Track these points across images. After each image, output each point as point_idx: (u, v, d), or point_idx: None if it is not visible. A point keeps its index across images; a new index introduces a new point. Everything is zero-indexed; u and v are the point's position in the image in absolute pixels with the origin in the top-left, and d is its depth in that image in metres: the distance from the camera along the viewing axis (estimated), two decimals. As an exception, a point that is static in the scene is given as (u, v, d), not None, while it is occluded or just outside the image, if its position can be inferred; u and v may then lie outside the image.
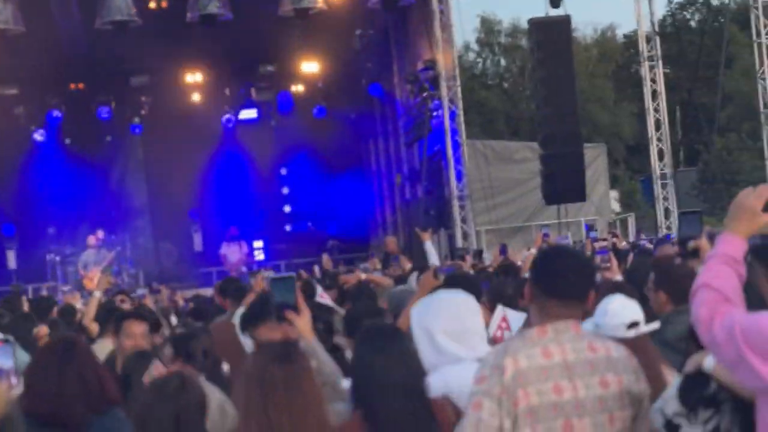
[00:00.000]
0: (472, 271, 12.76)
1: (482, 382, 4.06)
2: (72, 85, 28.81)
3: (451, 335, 4.86)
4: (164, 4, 23.99)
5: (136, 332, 7.53)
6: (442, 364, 4.92)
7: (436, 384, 4.77)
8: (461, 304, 5.27)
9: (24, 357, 7.02)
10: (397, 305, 8.73)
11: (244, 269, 26.66)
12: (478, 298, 7.61)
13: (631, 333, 5.03)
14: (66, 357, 5.17)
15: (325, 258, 18.43)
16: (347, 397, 4.91)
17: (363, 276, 12.56)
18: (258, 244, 31.06)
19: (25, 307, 10.01)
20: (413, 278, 9.78)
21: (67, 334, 6.36)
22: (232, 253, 27.18)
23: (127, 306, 11.22)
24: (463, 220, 24.83)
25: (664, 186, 27.70)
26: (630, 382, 4.14)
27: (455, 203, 24.80)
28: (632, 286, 6.37)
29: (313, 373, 4.54)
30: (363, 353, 4.68)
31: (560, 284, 4.20)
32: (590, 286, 4.35)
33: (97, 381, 5.17)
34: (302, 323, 5.13)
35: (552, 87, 23.71)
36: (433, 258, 14.49)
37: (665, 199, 27.63)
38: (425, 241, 14.88)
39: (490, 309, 7.39)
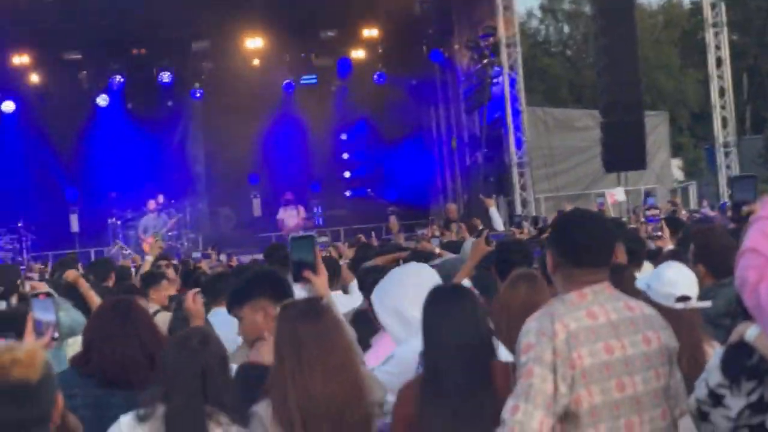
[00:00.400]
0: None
1: (530, 350, 4.02)
2: (134, 51, 28.95)
3: (418, 306, 4.82)
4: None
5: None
6: (411, 336, 4.96)
7: (407, 354, 4.85)
8: (423, 275, 5.42)
9: (79, 318, 7.10)
10: (447, 273, 8.71)
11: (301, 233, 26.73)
12: (529, 265, 7.58)
13: (680, 305, 4.99)
14: (124, 318, 5.21)
15: (393, 220, 18.47)
16: (363, 359, 4.95)
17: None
18: (316, 209, 31.14)
19: (79, 270, 10.11)
20: (468, 245, 9.72)
21: (123, 296, 6.40)
22: (289, 217, 27.25)
23: (170, 271, 11.29)
24: (523, 188, 24.71)
25: (727, 154, 27.32)
26: (666, 338, 4.18)
27: (515, 170, 24.69)
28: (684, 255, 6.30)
29: (344, 327, 4.59)
30: (429, 314, 4.66)
31: (584, 255, 4.18)
32: (613, 247, 4.37)
33: (155, 340, 5.20)
34: (320, 282, 5.12)
35: (614, 55, 23.50)
36: (498, 224, 14.47)
37: (728, 167, 27.26)
38: (489, 207, 14.86)
39: (541, 276, 7.34)
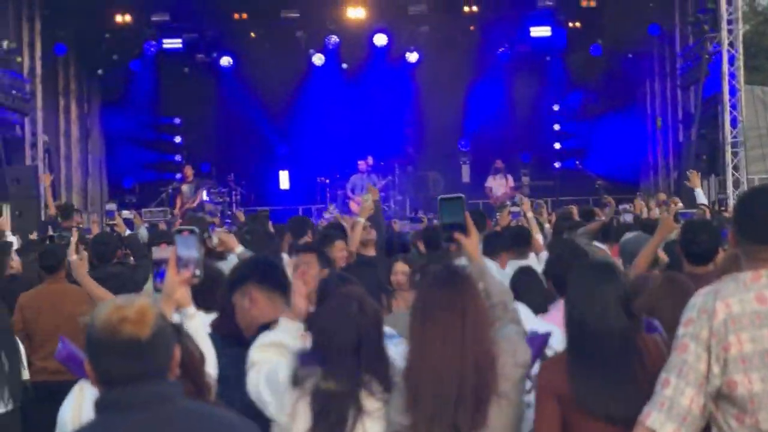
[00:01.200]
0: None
1: (689, 325, 3.97)
2: (350, 11, 29.41)
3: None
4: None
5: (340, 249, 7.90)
6: None
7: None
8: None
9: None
10: (630, 251, 8.69)
11: (508, 203, 26.78)
12: (716, 245, 7.52)
13: None
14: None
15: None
16: (518, 318, 4.96)
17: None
18: (525, 179, 31.06)
19: (270, 227, 10.42)
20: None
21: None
22: (498, 186, 27.26)
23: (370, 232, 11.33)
24: (735, 168, 24.13)
25: None
26: None
27: (728, 150, 24.12)
28: None
29: (480, 297, 4.58)
30: (576, 288, 4.68)
31: (763, 231, 4.02)
32: None
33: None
34: (470, 245, 5.06)
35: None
36: (700, 199, 14.26)
37: None
38: (695, 188, 14.63)
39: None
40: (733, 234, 4.15)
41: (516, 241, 9.83)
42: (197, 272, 4.53)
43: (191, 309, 4.59)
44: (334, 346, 4.46)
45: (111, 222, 14.37)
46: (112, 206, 15.87)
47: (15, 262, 10.01)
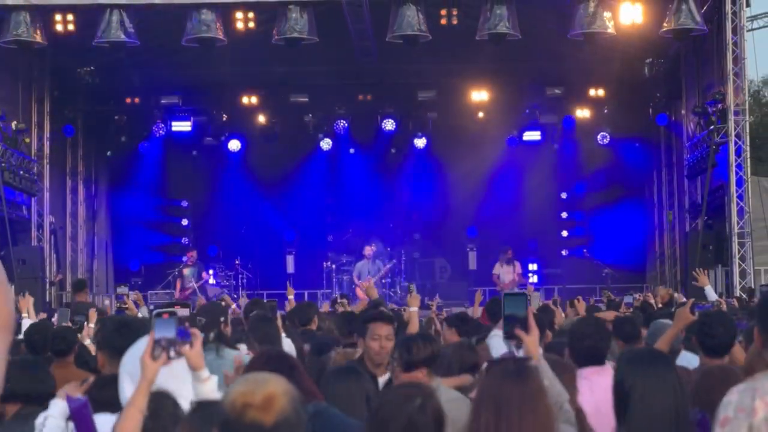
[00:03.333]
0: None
1: (726, 425, 3.88)
2: (360, 96, 29.58)
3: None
4: (454, 21, 24.29)
5: (381, 334, 7.73)
6: None
7: None
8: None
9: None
10: (652, 335, 8.70)
11: (515, 291, 26.70)
12: (732, 337, 7.47)
13: None
14: (275, 370, 5.24)
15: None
16: (573, 419, 4.90)
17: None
18: (532, 267, 31.05)
19: (279, 320, 10.36)
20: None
21: (275, 349, 6.61)
22: (505, 273, 27.20)
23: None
24: (742, 259, 24.07)
25: None
26: None
27: (735, 240, 24.08)
28: None
29: (546, 393, 4.50)
30: (628, 376, 4.68)
31: None
32: None
33: (305, 392, 5.13)
34: (531, 341, 5.08)
35: None
36: (711, 297, 14.21)
37: None
38: (704, 286, 14.58)
39: (745, 348, 7.22)
40: (758, 333, 4.10)
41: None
42: (172, 354, 4.53)
43: (204, 372, 4.55)
44: None
45: (123, 306, 14.39)
46: (123, 290, 16.03)
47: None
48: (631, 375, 4.67)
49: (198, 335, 4.92)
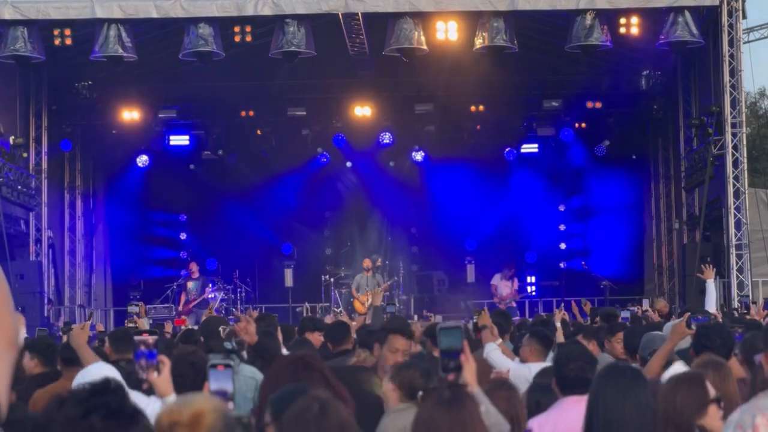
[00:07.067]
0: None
1: None
2: (357, 109, 29.65)
3: None
4: (452, 35, 24.31)
5: (399, 348, 7.74)
6: None
7: None
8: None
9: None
10: (644, 347, 8.71)
11: (513, 304, 26.72)
12: (729, 350, 7.48)
13: None
14: (298, 373, 5.24)
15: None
16: None
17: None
18: (530, 279, 31.09)
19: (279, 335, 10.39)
20: (668, 326, 9.64)
21: (303, 352, 6.55)
22: (504, 287, 27.22)
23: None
24: (740, 270, 24.09)
25: None
26: None
27: (732, 252, 24.10)
28: None
29: (482, 419, 4.51)
30: (599, 391, 4.68)
31: None
32: None
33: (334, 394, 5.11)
34: (468, 371, 4.99)
35: None
36: (711, 300, 14.21)
37: None
38: (708, 279, 14.58)
39: (742, 361, 7.24)
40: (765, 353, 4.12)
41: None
42: (230, 406, 4.39)
43: (171, 397, 4.55)
44: None
45: (133, 325, 14.41)
46: (134, 309, 16.05)
47: (30, 363, 9.83)
48: (601, 391, 4.67)
49: (166, 362, 4.92)
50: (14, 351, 3.35)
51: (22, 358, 9.97)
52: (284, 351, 9.46)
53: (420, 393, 4.64)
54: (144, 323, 14.35)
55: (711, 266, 15.26)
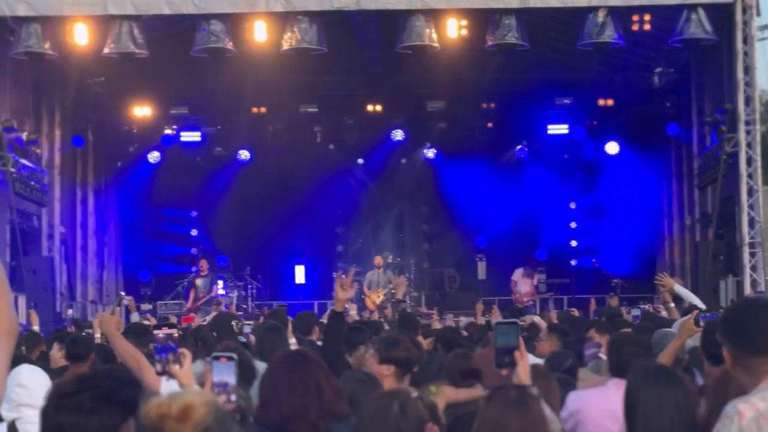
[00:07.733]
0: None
1: None
2: (369, 106, 29.59)
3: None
4: (464, 32, 24.25)
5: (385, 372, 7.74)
6: None
7: None
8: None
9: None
10: (656, 344, 8.67)
11: (530, 302, 26.63)
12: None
13: None
14: (295, 368, 5.24)
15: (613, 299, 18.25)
16: None
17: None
18: (541, 276, 31.02)
19: (290, 328, 10.37)
20: (677, 324, 9.61)
21: (299, 348, 6.58)
22: (524, 284, 27.16)
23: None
24: (753, 268, 24.01)
25: None
26: None
27: (746, 250, 24.02)
28: None
29: (547, 421, 4.49)
30: (635, 390, 4.71)
31: (761, 342, 4.03)
32: None
33: (332, 391, 5.20)
34: (522, 369, 5.02)
35: None
36: (692, 297, 14.16)
37: None
38: (674, 285, 14.55)
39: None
40: (727, 350, 4.12)
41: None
42: (232, 398, 4.51)
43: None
44: None
45: (144, 320, 14.44)
46: (147, 308, 16.19)
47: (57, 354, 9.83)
48: (637, 389, 4.66)
49: (187, 354, 4.93)
50: (13, 340, 3.40)
51: (50, 349, 10.05)
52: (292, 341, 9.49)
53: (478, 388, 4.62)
54: (135, 317, 14.34)
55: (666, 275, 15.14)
